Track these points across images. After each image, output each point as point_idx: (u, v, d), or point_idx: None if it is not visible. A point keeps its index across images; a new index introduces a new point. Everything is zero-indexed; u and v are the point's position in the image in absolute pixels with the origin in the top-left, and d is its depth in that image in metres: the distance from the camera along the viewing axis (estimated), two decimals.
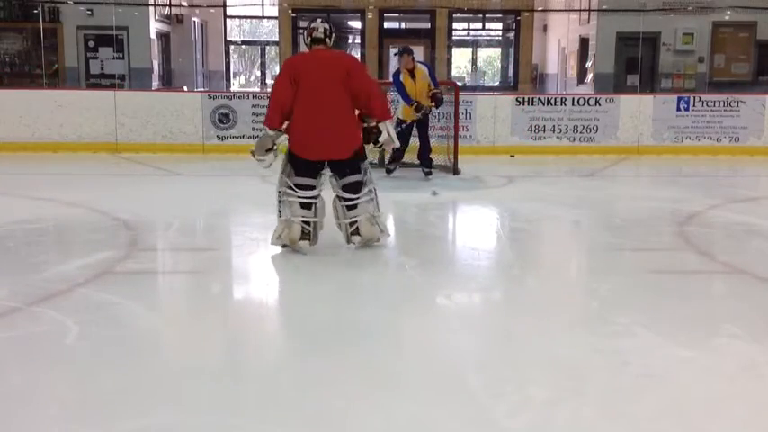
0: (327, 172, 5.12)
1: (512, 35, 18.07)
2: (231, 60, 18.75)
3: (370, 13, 16.70)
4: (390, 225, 6.63)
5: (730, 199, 7.62)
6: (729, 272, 5.01)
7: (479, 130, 11.10)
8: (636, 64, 15.11)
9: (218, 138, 11.00)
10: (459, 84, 13.54)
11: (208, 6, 17.27)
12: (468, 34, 19.02)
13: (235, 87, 18.61)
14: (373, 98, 5.01)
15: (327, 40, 5.12)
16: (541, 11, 17.93)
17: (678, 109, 11.28)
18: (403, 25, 18.69)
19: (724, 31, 15.28)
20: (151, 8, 15.31)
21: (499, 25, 19.03)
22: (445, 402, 2.88)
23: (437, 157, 9.38)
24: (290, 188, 5.02)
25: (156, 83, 15.54)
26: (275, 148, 5.09)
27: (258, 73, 19.90)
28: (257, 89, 17.98)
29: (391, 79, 9.17)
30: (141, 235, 5.78)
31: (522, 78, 17.46)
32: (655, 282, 4.67)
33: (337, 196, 5.11)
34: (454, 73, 18.33)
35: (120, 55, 14.90)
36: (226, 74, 18.15)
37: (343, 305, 4.29)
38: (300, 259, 5.12)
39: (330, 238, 5.23)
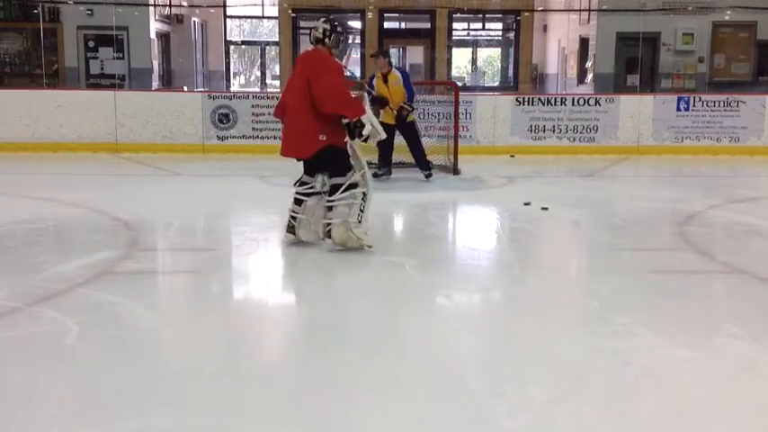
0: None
1: (512, 35, 18.07)
2: (231, 60, 18.75)
3: (370, 13, 16.70)
4: (389, 226, 6.64)
5: (730, 199, 7.62)
6: (729, 272, 5.01)
7: (479, 130, 11.11)
8: (636, 64, 15.11)
9: (218, 138, 11.01)
10: (459, 84, 13.55)
11: (208, 6, 17.26)
12: (468, 34, 19.01)
13: (235, 87, 18.60)
14: (328, 102, 4.95)
15: (326, 40, 5.16)
16: (541, 11, 17.93)
17: (678, 109, 11.28)
18: (403, 25, 18.68)
19: (724, 31, 15.27)
20: (151, 8, 15.30)
21: (499, 25, 19.02)
22: (445, 402, 2.88)
23: (437, 158, 9.38)
24: (295, 183, 5.39)
25: (156, 83, 15.54)
26: None
27: (258, 73, 19.89)
28: (257, 89, 17.98)
29: None
30: (141, 235, 5.77)
31: (522, 78, 17.46)
32: (655, 282, 4.67)
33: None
34: (454, 73, 18.32)
35: (120, 55, 14.90)
36: (226, 74, 18.15)
37: (344, 305, 4.29)
38: (300, 259, 5.13)
39: (325, 241, 5.23)
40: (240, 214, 6.98)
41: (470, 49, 19.24)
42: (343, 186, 5.06)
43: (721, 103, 11.28)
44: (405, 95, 8.18)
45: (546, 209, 6.73)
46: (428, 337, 3.63)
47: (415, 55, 18.16)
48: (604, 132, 11.22)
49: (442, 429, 2.70)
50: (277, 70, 18.20)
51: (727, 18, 15.15)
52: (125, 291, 4.27)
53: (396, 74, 8.29)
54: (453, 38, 18.00)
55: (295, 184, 5.39)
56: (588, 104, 11.24)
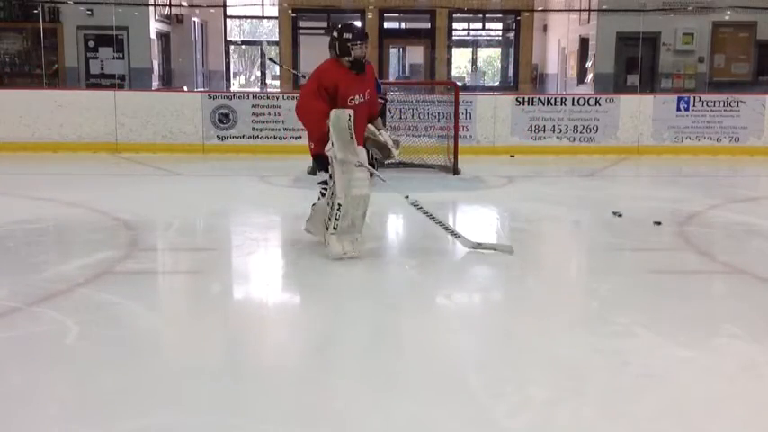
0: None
1: (512, 35, 18.06)
2: (231, 60, 18.75)
3: (370, 13, 16.69)
4: (389, 225, 6.64)
5: (730, 199, 7.62)
6: (729, 272, 5.01)
7: (479, 130, 11.11)
8: (636, 64, 15.11)
9: (218, 138, 11.01)
10: (459, 84, 13.54)
11: (208, 6, 17.26)
12: (468, 34, 19.00)
13: (235, 87, 18.60)
14: (298, 116, 5.05)
15: (333, 50, 5.03)
16: (541, 11, 17.92)
17: (678, 109, 11.28)
18: (403, 25, 18.67)
19: (724, 31, 15.27)
20: (151, 8, 15.30)
21: (499, 25, 19.02)
22: (445, 402, 2.88)
23: (437, 158, 9.39)
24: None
25: (156, 83, 15.54)
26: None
27: (258, 73, 19.89)
28: (257, 89, 17.98)
29: (392, 79, 9.11)
30: (141, 235, 5.78)
31: (522, 78, 17.45)
32: (655, 282, 4.68)
33: None
34: (454, 73, 18.32)
35: (120, 55, 14.89)
36: (226, 74, 18.15)
37: (343, 305, 4.29)
38: (300, 259, 5.13)
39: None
40: (240, 214, 6.98)
41: (470, 49, 19.23)
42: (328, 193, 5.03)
43: (721, 103, 11.28)
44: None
45: (620, 216, 6.48)
46: (428, 337, 3.63)
47: (415, 55, 18.15)
48: (604, 132, 11.22)
49: (442, 429, 2.70)
50: (277, 70, 18.18)
51: (727, 18, 15.15)
52: (125, 291, 4.27)
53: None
54: (453, 38, 17.99)
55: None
56: (588, 104, 11.24)
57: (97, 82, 14.84)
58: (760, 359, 3.37)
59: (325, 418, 2.76)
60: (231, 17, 18.41)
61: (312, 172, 8.92)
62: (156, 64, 15.72)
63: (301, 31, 16.98)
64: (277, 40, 17.51)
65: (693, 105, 11.28)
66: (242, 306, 4.34)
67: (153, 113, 10.98)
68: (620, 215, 6.46)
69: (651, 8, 14.98)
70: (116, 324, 3.75)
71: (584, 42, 16.30)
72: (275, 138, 10.98)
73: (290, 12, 16.79)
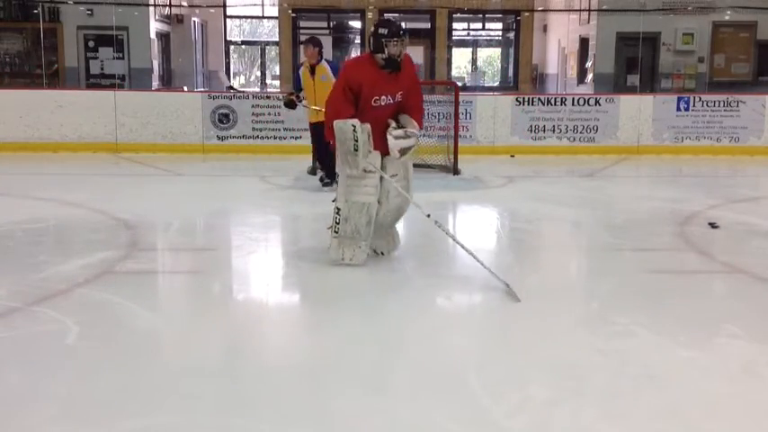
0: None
1: (512, 35, 18.07)
2: (231, 60, 18.74)
3: (370, 14, 16.68)
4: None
5: (730, 199, 7.62)
6: (729, 272, 5.01)
7: (479, 130, 11.10)
8: (636, 64, 15.10)
9: (218, 138, 11.00)
10: (459, 84, 13.54)
11: (208, 6, 17.26)
12: (468, 34, 19.01)
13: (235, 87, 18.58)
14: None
15: (369, 46, 4.79)
16: (541, 11, 17.92)
17: (678, 109, 11.28)
18: (403, 25, 18.61)
19: (724, 31, 15.27)
20: (151, 8, 15.29)
21: (499, 25, 19.02)
22: (445, 403, 2.88)
23: (437, 158, 9.38)
24: None
25: (156, 83, 15.54)
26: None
27: (258, 73, 19.89)
28: (257, 89, 17.98)
29: None
30: (141, 235, 5.77)
31: (522, 78, 17.46)
32: (655, 282, 4.67)
33: None
34: (454, 73, 18.32)
35: (120, 55, 14.89)
36: (226, 74, 18.14)
37: (343, 305, 4.29)
38: (300, 260, 5.13)
39: (326, 241, 5.22)
40: (240, 214, 6.98)
41: (470, 49, 19.24)
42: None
43: (721, 103, 11.28)
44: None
45: (717, 227, 6.16)
46: (428, 338, 3.63)
47: (415, 55, 18.11)
48: (604, 132, 11.21)
49: (442, 430, 2.70)
50: (277, 70, 18.18)
51: (727, 18, 15.15)
52: (125, 291, 4.27)
53: (324, 66, 7.51)
54: (453, 38, 18.00)
55: None
56: (588, 104, 11.24)
57: (97, 82, 14.84)
58: (760, 359, 3.37)
59: (325, 418, 2.76)
60: (231, 17, 18.42)
61: (312, 172, 8.91)
62: (156, 64, 15.72)
63: (301, 31, 16.98)
64: (277, 39, 17.52)
65: (693, 105, 11.28)
66: (242, 306, 4.34)
67: (153, 113, 10.98)
68: (716, 226, 6.10)
69: (651, 8, 14.97)
70: (116, 324, 3.75)
71: (584, 42, 16.30)
72: (275, 138, 10.97)
73: (289, 12, 16.79)
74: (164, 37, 16.42)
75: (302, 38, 16.82)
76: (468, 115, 10.95)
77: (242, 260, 5.28)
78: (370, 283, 4.67)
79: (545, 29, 18.57)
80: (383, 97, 4.64)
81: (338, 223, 4.72)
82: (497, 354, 3.47)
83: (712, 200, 7.39)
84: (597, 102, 11.28)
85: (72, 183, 8.34)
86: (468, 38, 19.10)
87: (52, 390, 2.98)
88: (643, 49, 15.07)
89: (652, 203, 7.35)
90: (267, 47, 19.46)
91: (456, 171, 9.15)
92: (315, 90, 7.52)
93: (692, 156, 11.07)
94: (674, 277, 4.83)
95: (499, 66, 19.59)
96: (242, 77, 20.22)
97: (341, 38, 17.76)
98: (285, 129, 10.94)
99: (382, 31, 4.63)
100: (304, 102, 7.84)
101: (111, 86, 14.27)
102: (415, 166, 9.28)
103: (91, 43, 14.92)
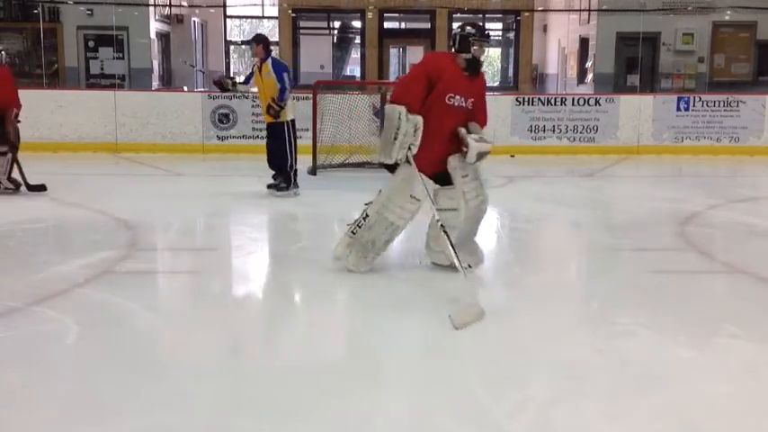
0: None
1: (512, 35, 18.06)
2: (231, 60, 18.73)
3: (370, 14, 16.68)
4: None
5: (730, 199, 7.63)
6: (729, 272, 5.02)
7: None
8: (636, 64, 15.10)
9: (218, 138, 11.01)
10: None
11: (208, 6, 17.25)
12: None
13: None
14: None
15: (453, 46, 4.58)
16: (541, 11, 17.91)
17: (678, 109, 11.28)
18: (403, 25, 18.67)
19: (724, 31, 15.26)
20: (151, 8, 15.29)
21: (499, 25, 19.01)
22: (445, 403, 2.88)
23: None
24: None
25: (156, 83, 15.53)
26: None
27: None
28: (257, 89, 17.94)
29: (392, 79, 9.06)
30: (141, 235, 5.77)
31: (522, 78, 17.44)
32: (655, 282, 4.67)
33: None
34: None
35: (120, 55, 14.88)
36: (226, 74, 18.14)
37: (343, 305, 4.30)
38: (300, 260, 5.13)
39: (326, 241, 5.22)
40: (240, 214, 6.98)
41: None
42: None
43: (721, 103, 11.28)
44: (277, 91, 7.21)
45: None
46: (428, 337, 3.63)
47: (416, 55, 18.13)
48: (604, 132, 11.21)
49: (443, 429, 2.70)
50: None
51: (727, 18, 15.14)
52: (125, 291, 4.27)
53: (268, 64, 7.36)
54: None
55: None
56: (588, 104, 11.24)
57: (97, 82, 14.83)
58: (760, 359, 3.37)
59: (325, 418, 2.76)
60: (231, 17, 18.41)
61: (312, 172, 8.91)
62: (156, 64, 15.71)
63: (301, 31, 16.98)
64: (277, 40, 17.51)
65: (693, 105, 11.28)
66: (242, 306, 4.33)
67: (153, 113, 10.99)
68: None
69: (651, 8, 14.96)
70: (116, 324, 3.75)
71: (584, 42, 16.29)
72: None
73: (289, 12, 16.78)
74: (164, 37, 16.41)
75: (302, 38, 16.88)
76: None
77: (242, 260, 5.28)
78: (370, 284, 4.67)
79: (545, 29, 18.56)
80: (457, 97, 4.46)
81: (360, 227, 4.54)
82: (497, 354, 3.47)
83: (712, 200, 7.39)
84: (597, 102, 11.28)
85: (72, 183, 8.34)
86: None
87: (52, 390, 2.98)
88: (643, 49, 15.06)
89: (652, 203, 7.35)
90: None
91: None
92: (263, 88, 7.41)
93: (691, 156, 11.07)
94: (674, 277, 4.83)
95: (499, 66, 19.59)
96: (242, 77, 20.20)
97: (342, 38, 17.76)
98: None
99: (470, 30, 4.50)
100: (240, 89, 7.98)
101: (111, 86, 14.27)
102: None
103: (91, 43, 14.91)
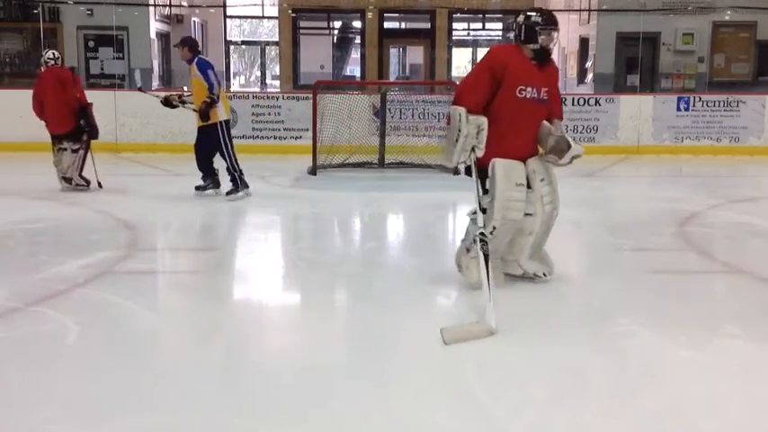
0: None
1: (512, 35, 18.04)
2: (231, 60, 18.75)
3: (370, 14, 16.68)
4: (390, 226, 6.64)
5: (730, 199, 7.63)
6: (729, 272, 5.01)
7: None
8: (636, 64, 15.09)
9: None
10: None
11: (208, 6, 17.25)
12: (469, 34, 18.99)
13: (235, 87, 18.60)
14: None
15: (518, 37, 4.42)
16: None
17: (678, 109, 11.28)
18: (403, 25, 18.67)
19: (724, 31, 15.26)
20: (151, 8, 15.29)
21: (499, 25, 19.01)
22: (445, 402, 2.88)
23: (437, 158, 9.36)
24: None
25: (156, 83, 15.53)
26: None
27: (258, 73, 19.88)
28: (257, 89, 17.98)
29: (392, 79, 9.04)
30: (141, 235, 5.78)
31: None
32: (655, 282, 4.68)
33: None
34: (454, 73, 18.30)
35: (120, 55, 14.88)
36: (226, 74, 18.14)
37: (343, 305, 4.30)
38: (300, 260, 5.13)
39: (326, 241, 5.22)
40: (240, 214, 6.98)
41: (470, 49, 19.22)
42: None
43: (721, 103, 11.28)
44: (206, 89, 7.02)
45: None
46: (428, 337, 3.63)
47: (415, 55, 18.14)
48: (604, 132, 11.21)
49: (442, 429, 2.70)
50: (277, 70, 18.18)
51: (727, 18, 15.14)
52: (125, 291, 4.27)
53: (193, 65, 7.23)
54: (453, 38, 17.98)
55: None
56: (588, 104, 11.24)
57: (97, 82, 14.83)
58: (760, 359, 3.37)
59: (325, 418, 2.76)
60: (231, 17, 18.40)
61: (312, 172, 8.90)
62: (156, 64, 15.71)
63: (301, 31, 16.97)
64: (277, 40, 17.52)
65: (693, 105, 11.28)
66: (242, 306, 4.34)
67: (153, 113, 10.98)
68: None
69: (651, 8, 14.96)
70: (116, 324, 3.75)
71: (584, 42, 16.29)
72: (275, 138, 10.98)
73: (289, 12, 16.78)
74: (164, 37, 16.41)
75: (302, 38, 16.87)
76: None
77: (242, 260, 5.29)
78: (370, 283, 4.67)
79: None
80: (528, 88, 4.19)
81: (486, 243, 4.01)
82: (497, 354, 3.47)
83: (712, 200, 7.39)
84: (597, 102, 11.28)
85: None
86: (469, 38, 19.08)
87: (52, 390, 2.98)
88: (643, 49, 15.06)
89: (652, 203, 7.35)
90: (267, 47, 19.46)
91: (456, 171, 9.13)
92: (194, 89, 7.32)
93: (691, 156, 11.07)
94: (674, 277, 4.83)
95: None
96: (242, 77, 20.23)
97: (342, 38, 17.76)
98: (285, 129, 10.94)
99: (536, 18, 4.30)
100: (188, 105, 7.60)
101: (111, 86, 14.27)
102: (415, 166, 9.37)
103: (91, 43, 14.91)
